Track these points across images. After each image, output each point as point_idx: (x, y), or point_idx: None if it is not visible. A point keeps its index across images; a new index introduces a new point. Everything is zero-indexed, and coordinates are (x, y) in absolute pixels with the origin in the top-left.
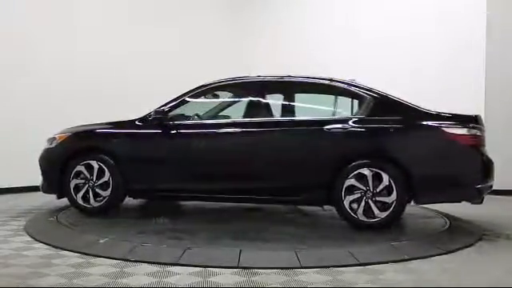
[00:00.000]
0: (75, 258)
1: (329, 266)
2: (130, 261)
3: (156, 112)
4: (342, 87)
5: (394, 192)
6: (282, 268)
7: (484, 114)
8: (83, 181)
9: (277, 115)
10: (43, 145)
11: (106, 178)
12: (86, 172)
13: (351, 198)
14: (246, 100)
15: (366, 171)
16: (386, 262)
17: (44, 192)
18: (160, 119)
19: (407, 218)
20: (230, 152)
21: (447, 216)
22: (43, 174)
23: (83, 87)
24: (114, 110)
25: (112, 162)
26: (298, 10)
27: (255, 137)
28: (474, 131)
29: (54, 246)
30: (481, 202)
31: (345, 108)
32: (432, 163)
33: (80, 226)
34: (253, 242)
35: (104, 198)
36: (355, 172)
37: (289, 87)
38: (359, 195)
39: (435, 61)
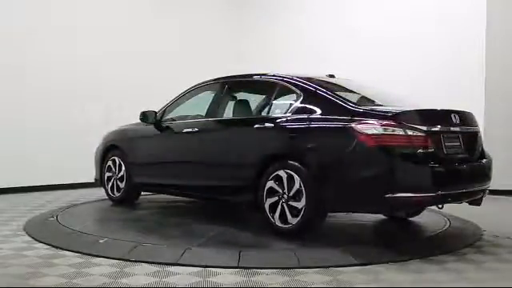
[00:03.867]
0: (75, 258)
1: (329, 266)
2: (130, 261)
3: (155, 114)
4: (282, 84)
5: (304, 197)
6: (282, 268)
7: (484, 113)
8: (111, 174)
9: (224, 115)
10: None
11: (122, 173)
12: (113, 167)
13: (271, 201)
14: (204, 101)
15: (282, 173)
16: (386, 262)
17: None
18: (156, 121)
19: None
20: (178, 152)
21: (447, 216)
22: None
23: (83, 87)
24: (113, 109)
25: (125, 158)
26: (298, 10)
27: (196, 138)
28: (391, 130)
29: (54, 246)
30: (441, 207)
31: (282, 106)
32: (339, 167)
33: (80, 225)
34: (253, 242)
35: (121, 189)
36: (274, 174)
37: (234, 86)
38: (277, 198)
39: (435, 61)
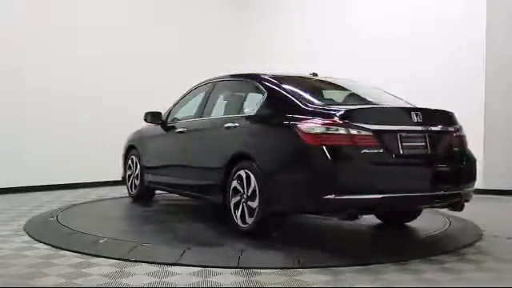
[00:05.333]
0: (75, 258)
1: (329, 266)
2: (130, 261)
3: (160, 115)
4: (252, 83)
5: (257, 197)
6: (282, 268)
7: (484, 113)
8: (130, 172)
9: (206, 116)
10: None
11: (137, 171)
12: (132, 165)
13: (234, 200)
14: (194, 102)
15: (243, 173)
16: (386, 262)
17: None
18: (161, 121)
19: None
20: (172, 151)
21: (447, 216)
22: None
23: (83, 87)
24: (113, 109)
25: (140, 157)
26: (298, 11)
27: (183, 138)
28: (333, 129)
29: (54, 246)
30: (380, 213)
31: (249, 105)
32: (284, 166)
33: (80, 225)
34: (253, 242)
35: (137, 187)
36: (237, 174)
37: (215, 87)
38: (239, 198)
39: (435, 61)
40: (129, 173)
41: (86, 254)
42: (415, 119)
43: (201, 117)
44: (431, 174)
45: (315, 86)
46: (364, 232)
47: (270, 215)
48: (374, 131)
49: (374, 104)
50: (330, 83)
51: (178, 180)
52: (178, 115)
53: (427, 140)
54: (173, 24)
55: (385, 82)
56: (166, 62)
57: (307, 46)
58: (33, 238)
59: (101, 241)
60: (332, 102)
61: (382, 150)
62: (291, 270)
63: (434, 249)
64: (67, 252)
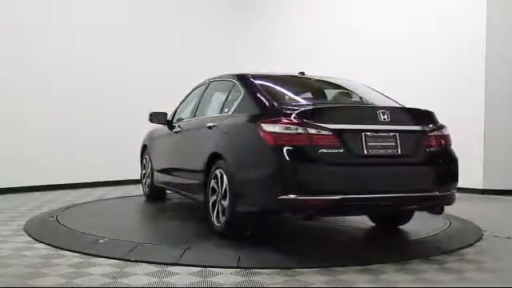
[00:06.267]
0: (75, 258)
1: (329, 266)
2: (130, 261)
3: (165, 115)
4: (233, 82)
5: (227, 196)
6: (281, 268)
7: (484, 114)
8: (145, 171)
9: (197, 115)
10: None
11: (149, 170)
12: (146, 165)
13: (212, 199)
14: (191, 102)
15: (218, 172)
16: (386, 262)
17: None
18: (167, 121)
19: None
20: (170, 151)
21: (447, 216)
22: None
23: (83, 87)
24: (113, 109)
25: (150, 157)
26: (298, 11)
27: (178, 138)
28: (291, 129)
29: (54, 246)
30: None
31: (229, 104)
32: (247, 166)
33: (80, 225)
34: (253, 243)
35: (149, 186)
36: (214, 173)
37: (208, 87)
38: (216, 197)
39: (435, 61)
40: (143, 172)
41: (86, 254)
42: (382, 118)
43: (194, 117)
44: (399, 175)
45: (296, 85)
46: (364, 232)
47: (238, 215)
48: (335, 130)
49: (353, 103)
50: (313, 82)
51: (175, 179)
52: (181, 115)
53: (398, 140)
54: (173, 24)
55: (385, 82)
56: (166, 61)
57: (307, 46)
58: (33, 238)
59: (101, 241)
60: (305, 101)
61: (342, 150)
62: (291, 270)
63: (434, 249)
64: (67, 252)
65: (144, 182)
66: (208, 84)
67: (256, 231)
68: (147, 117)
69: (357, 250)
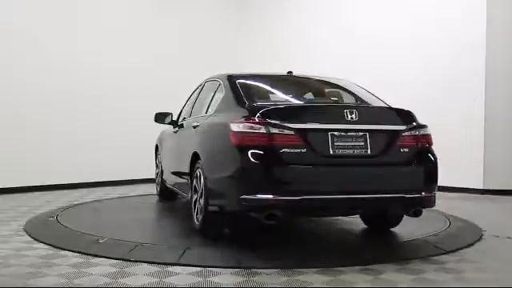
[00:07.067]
0: (75, 258)
1: (329, 266)
2: (130, 261)
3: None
4: (219, 82)
5: (203, 195)
6: (281, 268)
7: (484, 114)
8: (157, 171)
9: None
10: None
11: (160, 170)
12: (158, 164)
13: (194, 198)
14: (190, 102)
15: (198, 172)
16: (386, 262)
17: None
18: (172, 121)
19: (407, 218)
20: (170, 151)
21: (447, 216)
22: None
23: (83, 87)
24: (113, 109)
25: (160, 156)
26: (298, 11)
27: (174, 138)
28: (253, 128)
29: (54, 246)
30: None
31: (214, 104)
32: (216, 165)
33: (80, 225)
34: (253, 243)
35: (159, 184)
36: (195, 172)
37: (203, 87)
38: (197, 196)
39: (435, 61)
40: (156, 171)
41: (86, 254)
42: (349, 117)
43: (190, 116)
44: (367, 176)
45: (279, 85)
46: (364, 233)
47: (209, 213)
48: (298, 130)
49: (324, 102)
50: (298, 82)
51: (175, 179)
52: (183, 115)
53: (368, 139)
54: (173, 24)
55: (385, 82)
56: (166, 62)
57: (307, 46)
58: (33, 238)
59: (101, 241)
60: (280, 100)
61: (305, 150)
62: (291, 270)
63: (433, 249)
64: (67, 252)
65: (157, 181)
66: (203, 84)
67: (232, 230)
68: (147, 117)
69: (357, 250)
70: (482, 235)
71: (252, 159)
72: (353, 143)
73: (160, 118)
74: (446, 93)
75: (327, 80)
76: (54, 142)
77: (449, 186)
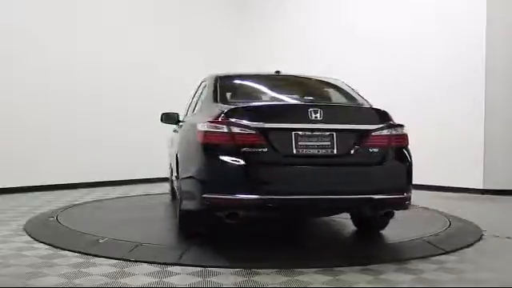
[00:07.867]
0: (75, 258)
1: (329, 266)
2: (130, 261)
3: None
4: (207, 82)
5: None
6: (281, 268)
7: (484, 114)
8: (170, 171)
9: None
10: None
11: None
12: (170, 165)
13: (178, 197)
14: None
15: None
16: (386, 262)
17: None
18: (177, 121)
19: (408, 218)
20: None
21: (447, 216)
22: None
23: (83, 87)
24: (113, 109)
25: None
26: (298, 11)
27: (175, 136)
28: (215, 127)
29: (54, 246)
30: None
31: (200, 104)
32: (186, 164)
33: (80, 225)
34: (252, 243)
35: (170, 183)
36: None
37: (200, 87)
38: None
39: (435, 61)
40: (169, 170)
41: (86, 254)
42: (313, 117)
43: (186, 116)
44: (332, 176)
45: (262, 84)
46: (364, 233)
47: (182, 212)
48: (260, 129)
49: (298, 102)
50: (283, 81)
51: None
52: (184, 115)
53: (334, 139)
54: (173, 24)
55: (385, 81)
56: (166, 62)
57: (307, 46)
58: (33, 238)
59: (101, 241)
60: (256, 100)
61: (266, 150)
62: (291, 270)
63: (434, 249)
64: (67, 252)
65: (169, 180)
66: (200, 84)
67: (208, 229)
68: (147, 117)
69: (357, 250)
70: (482, 235)
71: (213, 158)
72: (318, 143)
73: (166, 118)
74: (445, 93)
75: (314, 79)
76: (53, 142)
77: (449, 186)
